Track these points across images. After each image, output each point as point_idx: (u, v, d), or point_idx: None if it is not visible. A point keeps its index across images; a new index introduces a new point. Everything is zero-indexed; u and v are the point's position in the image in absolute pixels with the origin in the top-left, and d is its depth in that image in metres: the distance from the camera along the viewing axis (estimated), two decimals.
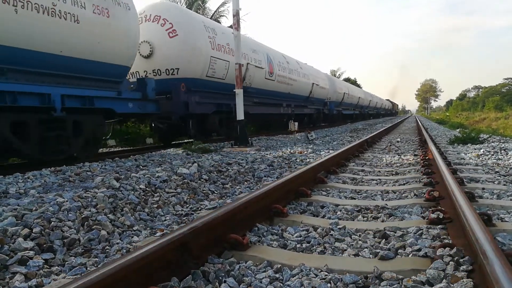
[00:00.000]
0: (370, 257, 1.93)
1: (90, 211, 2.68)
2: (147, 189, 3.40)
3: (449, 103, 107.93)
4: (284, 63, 15.35)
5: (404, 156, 6.37)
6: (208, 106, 9.96)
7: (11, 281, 1.79)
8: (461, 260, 1.70)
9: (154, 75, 9.30)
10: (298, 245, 2.13)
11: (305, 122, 18.50)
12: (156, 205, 3.17)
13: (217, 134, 11.08)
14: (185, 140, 11.02)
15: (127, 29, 7.33)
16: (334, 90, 23.48)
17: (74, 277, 1.81)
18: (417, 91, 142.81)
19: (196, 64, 9.45)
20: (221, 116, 10.64)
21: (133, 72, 9.29)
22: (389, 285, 1.60)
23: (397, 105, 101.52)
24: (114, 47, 7.02)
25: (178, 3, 21.76)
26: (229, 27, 13.53)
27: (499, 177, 4.07)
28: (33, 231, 2.23)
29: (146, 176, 3.75)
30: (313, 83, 18.67)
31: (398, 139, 10.26)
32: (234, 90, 8.56)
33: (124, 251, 2.20)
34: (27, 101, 5.57)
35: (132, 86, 8.05)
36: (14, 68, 5.46)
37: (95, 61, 6.71)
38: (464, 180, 3.77)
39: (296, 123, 14.72)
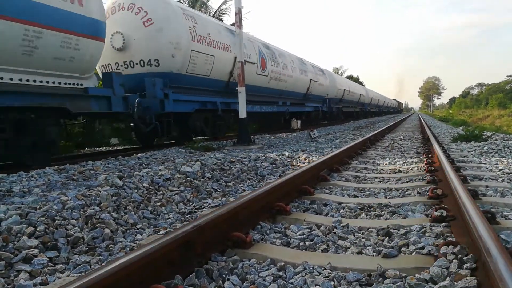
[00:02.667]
0: (373, 255, 1.93)
1: (93, 209, 2.69)
2: (150, 187, 3.41)
3: (452, 100, 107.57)
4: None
5: (407, 154, 6.36)
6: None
7: (16, 279, 1.80)
8: (465, 258, 1.70)
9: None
10: (301, 243, 2.13)
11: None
12: (159, 203, 3.18)
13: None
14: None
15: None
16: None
17: (78, 275, 1.82)
18: (420, 88, 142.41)
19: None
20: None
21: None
22: (393, 283, 1.60)
23: (402, 103, 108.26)
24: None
25: (182, 1, 21.76)
26: (231, 25, 13.51)
27: (502, 175, 4.05)
28: (38, 229, 2.24)
29: (149, 174, 3.75)
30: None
31: (401, 137, 10.24)
32: (236, 88, 8.56)
33: (128, 249, 2.21)
34: None
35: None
36: None
37: None
38: (468, 177, 3.76)
39: (299, 121, 14.72)
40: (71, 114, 6.27)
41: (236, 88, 8.55)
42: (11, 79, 5.26)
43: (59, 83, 5.95)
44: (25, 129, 5.61)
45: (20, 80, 5.37)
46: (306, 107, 18.15)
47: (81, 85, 6.33)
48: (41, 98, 5.68)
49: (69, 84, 6.14)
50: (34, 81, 5.57)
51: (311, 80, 17.72)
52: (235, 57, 9.84)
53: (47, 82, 5.76)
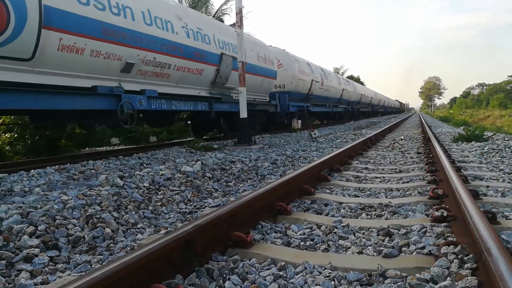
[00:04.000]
0: (374, 255, 1.93)
1: (94, 209, 2.69)
2: (151, 187, 3.41)
3: (453, 100, 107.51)
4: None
5: (407, 154, 6.36)
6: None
7: (16, 278, 1.80)
8: (466, 258, 1.69)
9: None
10: (302, 243, 2.13)
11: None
12: (160, 203, 3.18)
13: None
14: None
15: None
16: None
17: (79, 274, 1.82)
18: (420, 88, 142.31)
19: None
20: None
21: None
22: (393, 283, 1.60)
23: (404, 104, 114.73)
24: None
25: (182, 2, 21.76)
26: (231, 25, 13.50)
27: (503, 175, 4.05)
28: (38, 228, 2.24)
29: (150, 174, 3.76)
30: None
31: (402, 137, 10.23)
32: (238, 88, 8.56)
33: (129, 248, 2.21)
34: None
35: None
36: None
37: None
38: (468, 178, 3.76)
39: (300, 121, 14.70)
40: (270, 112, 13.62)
41: (238, 88, 8.55)
42: (254, 99, 11.87)
43: (260, 98, 12.41)
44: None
45: (254, 99, 11.76)
46: (339, 108, 24.91)
47: (266, 99, 12.90)
48: (253, 106, 11.52)
49: (263, 99, 12.73)
50: (254, 99, 11.73)
51: (343, 89, 24.07)
52: (312, 80, 17.33)
53: (255, 98, 11.95)
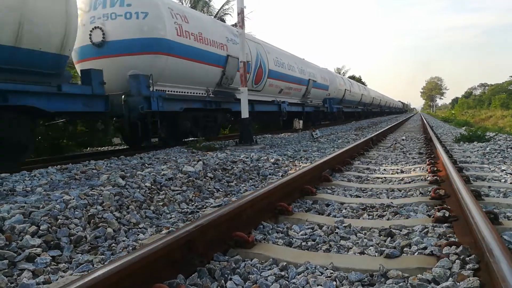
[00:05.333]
0: (375, 255, 1.93)
1: (96, 208, 2.70)
2: (152, 187, 3.41)
3: (455, 101, 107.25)
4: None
5: (409, 154, 6.35)
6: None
7: (19, 277, 1.81)
8: (468, 258, 1.69)
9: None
10: (304, 243, 2.13)
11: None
12: (161, 203, 3.18)
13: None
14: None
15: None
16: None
17: (81, 274, 1.83)
18: (422, 88, 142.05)
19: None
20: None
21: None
22: (395, 283, 1.60)
23: (407, 104, 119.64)
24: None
25: (183, 2, 21.77)
26: (233, 25, 13.51)
27: (505, 176, 4.04)
28: (40, 228, 2.25)
29: (151, 174, 3.76)
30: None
31: (404, 137, 10.22)
32: (239, 88, 8.57)
33: (130, 248, 2.22)
34: None
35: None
36: None
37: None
38: (470, 178, 3.75)
39: (301, 121, 14.70)
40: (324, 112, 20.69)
41: (239, 88, 8.56)
42: (318, 103, 19.93)
43: (320, 103, 20.44)
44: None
45: (318, 104, 19.83)
46: (357, 108, 30.86)
47: (321, 103, 20.08)
48: (317, 108, 19.98)
49: (321, 103, 20.64)
50: (318, 103, 19.71)
51: (362, 94, 30.78)
52: (345, 89, 24.51)
53: (318, 103, 20.05)
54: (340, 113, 24.54)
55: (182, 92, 8.72)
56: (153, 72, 7.54)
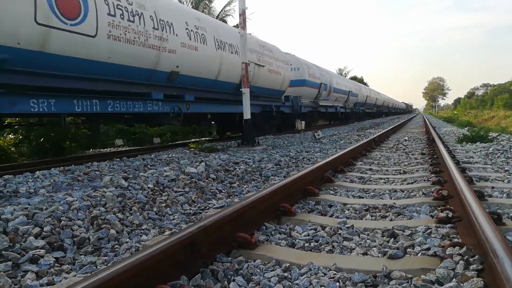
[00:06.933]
0: (378, 256, 1.92)
1: (99, 210, 2.70)
2: (155, 188, 3.42)
3: (457, 101, 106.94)
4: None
5: (412, 154, 6.34)
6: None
7: (22, 279, 1.81)
8: (471, 259, 1.69)
9: None
10: (307, 244, 2.13)
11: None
12: (164, 204, 3.19)
13: None
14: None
15: None
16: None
17: (84, 275, 1.83)
18: (424, 89, 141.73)
19: None
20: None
21: None
22: (398, 284, 1.60)
23: (411, 105, 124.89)
24: None
25: (184, 3, 21.82)
26: (234, 26, 13.52)
27: (509, 176, 4.03)
28: (44, 230, 2.26)
29: (154, 175, 3.77)
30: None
31: (406, 138, 10.20)
32: (241, 89, 8.57)
33: (133, 250, 2.22)
34: None
35: None
36: None
37: None
38: (473, 178, 3.74)
39: (303, 122, 14.67)
40: (356, 113, 28.92)
41: (241, 89, 8.56)
42: (349, 107, 27.27)
43: (352, 107, 28.12)
44: None
45: (349, 107, 27.20)
46: (373, 109, 38.51)
47: (352, 107, 27.69)
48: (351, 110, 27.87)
49: (353, 107, 28.32)
50: (349, 107, 27.30)
51: (376, 98, 38.32)
52: (366, 95, 33.11)
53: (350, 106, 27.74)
54: (363, 113, 32.91)
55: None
56: (301, 94, 15.91)
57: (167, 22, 7.19)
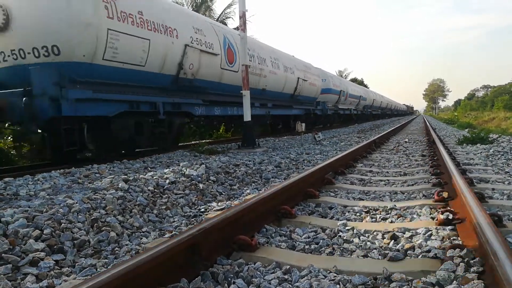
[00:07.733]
0: (379, 258, 1.92)
1: (99, 212, 2.70)
2: (155, 190, 3.41)
3: (458, 103, 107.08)
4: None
5: (412, 156, 6.33)
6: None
7: (22, 282, 1.81)
8: (472, 261, 1.68)
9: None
10: (307, 246, 2.12)
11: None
12: (164, 207, 3.19)
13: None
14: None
15: None
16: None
17: (84, 278, 1.83)
18: (424, 91, 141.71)
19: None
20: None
21: None
22: (399, 286, 1.59)
23: (411, 107, 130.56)
24: None
25: (184, 5, 21.86)
26: (235, 28, 13.54)
27: (509, 178, 4.02)
28: (44, 232, 2.25)
29: (154, 177, 3.77)
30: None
31: (406, 140, 10.20)
32: (241, 92, 8.58)
33: (134, 252, 2.22)
34: None
35: None
36: None
37: None
38: (474, 180, 3.74)
39: (303, 124, 14.67)
40: (365, 114, 33.21)
41: (241, 92, 8.56)
42: (358, 109, 31.61)
43: (361, 109, 32.48)
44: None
45: (358, 108, 31.27)
46: (378, 111, 42.67)
47: (361, 109, 31.99)
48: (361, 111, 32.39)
49: (361, 109, 32.53)
50: (359, 109, 31.13)
51: (380, 101, 42.64)
52: (373, 99, 38.88)
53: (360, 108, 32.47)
54: (370, 114, 36.44)
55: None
56: (327, 100, 20.24)
57: (263, 58, 12.01)
